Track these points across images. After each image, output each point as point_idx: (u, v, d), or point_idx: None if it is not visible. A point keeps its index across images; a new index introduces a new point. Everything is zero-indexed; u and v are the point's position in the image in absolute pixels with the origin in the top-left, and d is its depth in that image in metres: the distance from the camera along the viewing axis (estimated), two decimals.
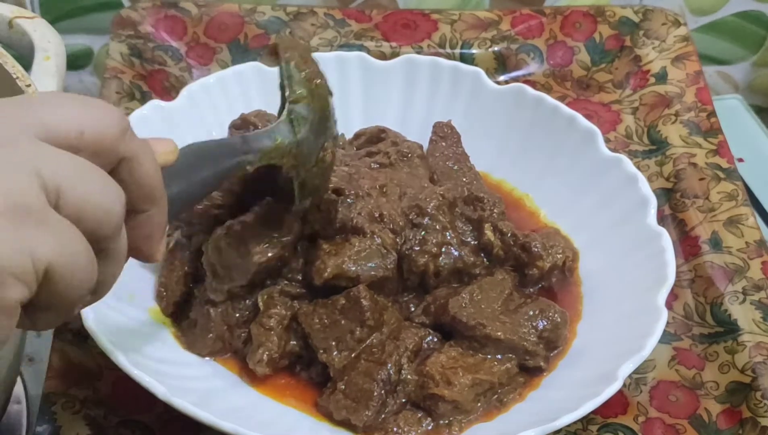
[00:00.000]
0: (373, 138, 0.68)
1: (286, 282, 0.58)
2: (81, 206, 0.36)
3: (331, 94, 0.57)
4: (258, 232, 0.57)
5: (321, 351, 0.56)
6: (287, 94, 0.55)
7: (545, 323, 0.58)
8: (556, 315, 0.58)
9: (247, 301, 0.58)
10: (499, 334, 0.57)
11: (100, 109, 0.38)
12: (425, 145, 0.68)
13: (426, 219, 0.60)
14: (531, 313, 0.58)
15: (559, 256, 0.62)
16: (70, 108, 0.37)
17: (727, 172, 0.71)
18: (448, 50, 0.81)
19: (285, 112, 0.54)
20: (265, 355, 0.56)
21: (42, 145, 0.36)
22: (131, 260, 0.61)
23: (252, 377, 0.57)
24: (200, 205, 0.58)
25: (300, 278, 0.58)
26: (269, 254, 0.57)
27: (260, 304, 0.58)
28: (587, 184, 0.67)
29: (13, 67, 0.56)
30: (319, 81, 0.56)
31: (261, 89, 0.71)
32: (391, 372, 0.55)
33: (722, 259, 0.66)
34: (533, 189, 0.68)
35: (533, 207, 0.68)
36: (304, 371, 0.58)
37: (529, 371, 0.58)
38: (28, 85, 0.55)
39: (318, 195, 0.57)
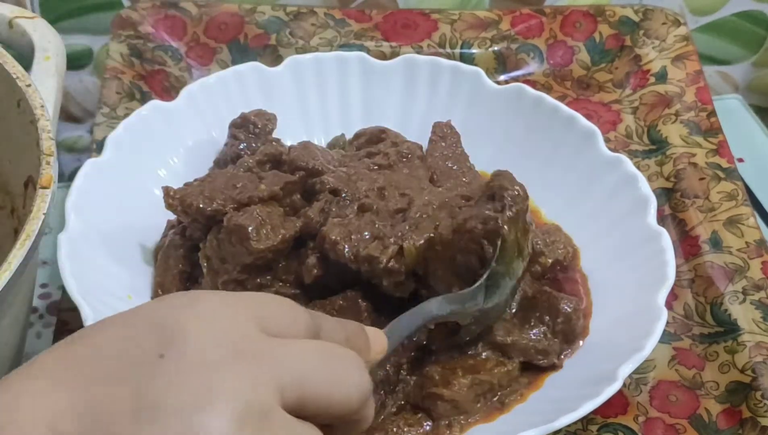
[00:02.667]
0: (373, 138, 0.68)
1: (280, 284, 0.58)
2: (322, 408, 0.37)
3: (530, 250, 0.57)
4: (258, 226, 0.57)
5: None
6: (494, 263, 0.54)
7: (556, 317, 0.58)
8: (566, 307, 0.58)
9: None
10: (507, 339, 0.57)
11: (352, 382, 0.38)
12: (425, 145, 0.68)
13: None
14: (539, 311, 0.58)
15: (560, 251, 0.62)
16: (328, 374, 0.37)
17: (727, 172, 0.71)
18: (448, 50, 0.81)
19: (484, 278, 0.54)
20: None
21: (293, 426, 0.36)
22: (128, 259, 0.61)
23: None
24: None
25: (294, 280, 0.58)
26: (268, 243, 0.57)
27: None
28: (587, 183, 0.67)
29: (13, 67, 0.56)
30: (526, 251, 0.56)
31: (261, 89, 0.71)
32: (390, 372, 0.55)
33: (722, 259, 0.66)
34: (533, 188, 0.68)
35: (533, 206, 0.68)
36: None
37: (543, 370, 0.58)
38: (29, 85, 0.55)
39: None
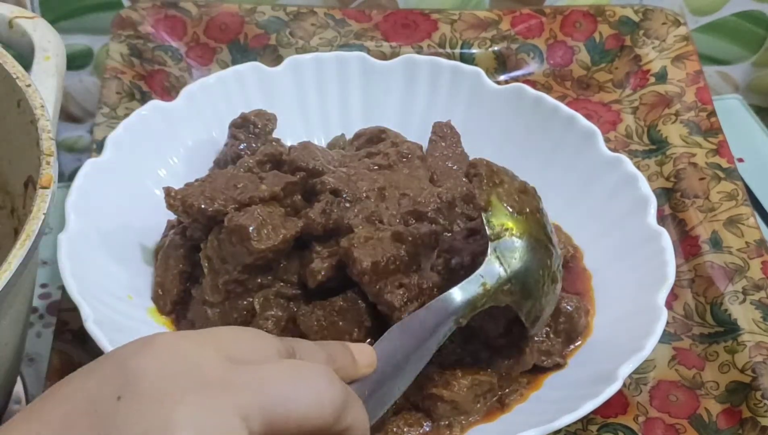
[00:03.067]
0: (373, 138, 0.68)
1: (281, 284, 0.58)
2: (294, 427, 0.36)
3: (543, 214, 0.56)
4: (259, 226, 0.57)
5: None
6: (487, 231, 0.53)
7: (558, 316, 0.58)
8: (567, 305, 0.58)
9: (245, 302, 0.58)
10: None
11: (321, 395, 0.38)
12: (425, 145, 0.68)
13: (425, 223, 0.59)
14: None
15: (560, 250, 0.62)
16: (293, 392, 0.37)
17: (727, 172, 0.71)
18: (448, 50, 0.81)
19: (489, 251, 0.53)
20: None
21: None
22: (128, 259, 0.61)
23: None
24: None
25: (295, 280, 0.58)
26: (269, 243, 0.57)
27: (256, 306, 0.58)
28: (587, 183, 0.67)
29: (13, 67, 0.56)
30: (528, 210, 0.54)
31: (261, 89, 0.71)
32: None
33: (722, 259, 0.66)
34: None
35: None
36: None
37: (544, 369, 0.58)
38: (28, 85, 0.55)
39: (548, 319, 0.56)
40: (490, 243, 0.53)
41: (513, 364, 0.57)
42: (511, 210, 0.54)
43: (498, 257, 0.52)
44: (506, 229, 0.53)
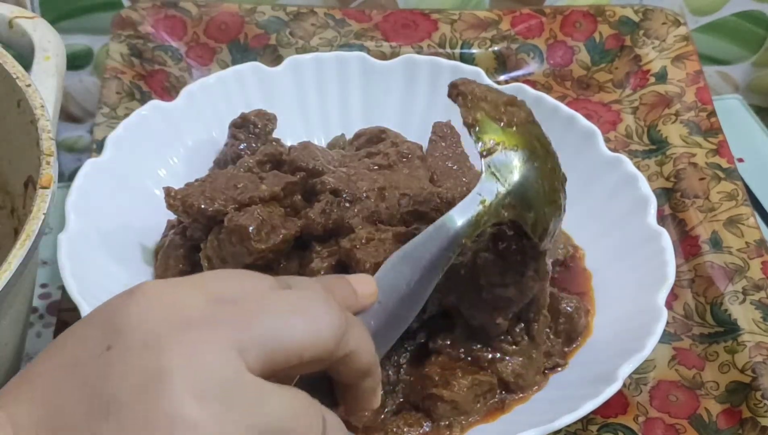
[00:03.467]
0: (373, 138, 0.68)
1: None
2: (294, 356, 0.35)
3: (535, 123, 0.54)
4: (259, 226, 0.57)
5: None
6: (478, 147, 0.51)
7: (558, 317, 0.58)
8: (567, 306, 0.58)
9: None
10: (512, 347, 0.57)
11: (318, 320, 0.36)
12: (425, 145, 0.68)
13: (424, 223, 0.59)
14: (536, 308, 0.58)
15: (560, 250, 0.62)
16: (288, 320, 0.35)
17: (727, 172, 0.71)
18: (448, 50, 0.81)
19: (483, 168, 0.51)
20: None
21: (263, 390, 0.34)
22: (128, 259, 0.61)
23: None
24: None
25: None
26: (269, 243, 0.57)
27: None
28: (587, 183, 0.67)
29: (13, 67, 0.56)
30: (518, 121, 0.53)
31: (261, 89, 0.71)
32: (389, 372, 0.55)
33: (722, 259, 0.66)
34: None
35: None
36: None
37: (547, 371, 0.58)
38: (28, 85, 0.55)
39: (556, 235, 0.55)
40: (483, 160, 0.51)
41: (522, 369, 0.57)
42: (500, 123, 0.52)
43: (493, 173, 0.51)
44: (498, 144, 0.51)
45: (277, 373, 0.35)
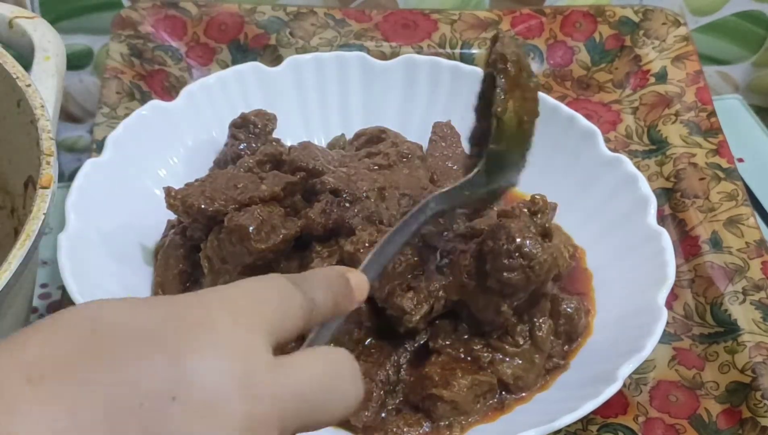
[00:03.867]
0: (373, 138, 0.68)
1: None
2: (322, 425, 0.36)
3: (534, 124, 0.54)
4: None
5: None
6: (493, 138, 0.52)
7: (558, 318, 0.58)
8: (567, 307, 0.58)
9: None
10: (513, 349, 0.57)
11: (348, 400, 0.38)
12: (425, 145, 0.68)
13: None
14: (542, 313, 0.58)
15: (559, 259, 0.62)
16: (320, 396, 0.36)
17: (727, 172, 0.71)
18: (448, 50, 0.81)
19: (483, 163, 0.52)
20: None
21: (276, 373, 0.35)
22: (128, 259, 0.61)
23: None
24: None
25: None
26: (269, 243, 0.57)
27: None
28: (587, 183, 0.67)
29: (13, 67, 0.56)
30: (526, 119, 0.53)
31: (261, 89, 0.71)
32: (389, 372, 0.55)
33: (722, 259, 0.66)
34: (533, 188, 0.68)
35: None
36: None
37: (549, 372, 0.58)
38: (28, 85, 0.55)
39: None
40: (487, 153, 0.52)
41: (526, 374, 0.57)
42: (515, 123, 0.52)
43: (487, 171, 0.52)
44: (508, 150, 0.53)
45: None
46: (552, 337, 0.58)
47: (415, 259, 0.56)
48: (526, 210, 0.58)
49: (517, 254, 0.54)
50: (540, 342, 0.57)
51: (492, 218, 0.58)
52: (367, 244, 0.55)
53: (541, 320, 0.57)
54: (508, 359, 0.57)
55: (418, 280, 0.56)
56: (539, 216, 0.57)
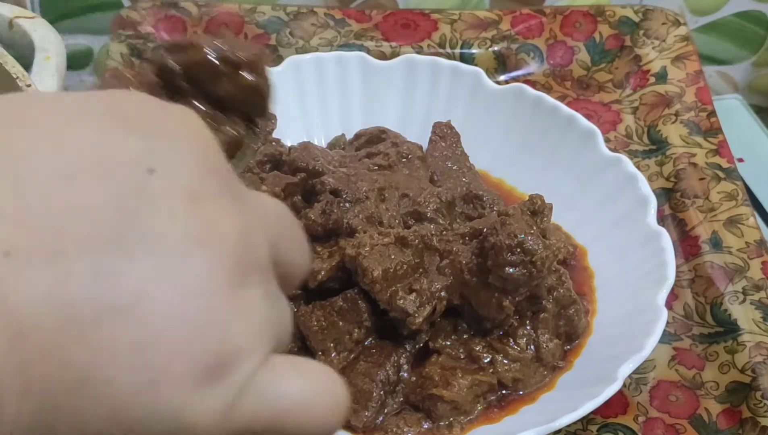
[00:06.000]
0: (373, 138, 0.68)
1: None
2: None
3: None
4: None
5: (319, 353, 0.56)
6: None
7: (559, 319, 0.58)
8: (569, 311, 0.58)
9: None
10: (513, 352, 0.57)
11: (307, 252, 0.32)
12: (425, 145, 0.68)
13: (424, 223, 0.59)
14: (542, 314, 0.58)
15: (561, 250, 0.62)
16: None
17: (727, 172, 0.71)
18: (448, 50, 0.81)
19: None
20: None
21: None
22: None
23: None
24: None
25: None
26: None
27: None
28: (587, 183, 0.67)
29: (13, 67, 0.56)
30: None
31: None
32: (390, 373, 0.55)
33: (722, 259, 0.66)
34: (532, 188, 0.68)
35: None
36: None
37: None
38: (29, 85, 0.55)
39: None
40: None
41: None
42: None
43: None
44: None
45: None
46: (555, 341, 0.58)
47: (417, 260, 0.56)
48: (525, 209, 0.58)
49: (518, 250, 0.54)
50: (543, 355, 0.57)
51: (492, 218, 0.58)
52: (369, 247, 0.55)
53: (547, 336, 0.58)
54: (507, 361, 0.57)
55: (420, 282, 0.56)
56: (538, 217, 0.57)
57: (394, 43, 0.82)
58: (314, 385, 0.28)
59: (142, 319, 0.24)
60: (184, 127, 0.28)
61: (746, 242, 0.66)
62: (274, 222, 0.29)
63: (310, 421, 0.28)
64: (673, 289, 0.60)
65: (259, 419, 0.27)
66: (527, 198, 0.67)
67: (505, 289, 0.55)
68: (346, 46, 0.80)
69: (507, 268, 0.54)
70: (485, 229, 0.56)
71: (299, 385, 0.28)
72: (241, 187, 0.28)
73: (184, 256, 0.25)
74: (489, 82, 0.72)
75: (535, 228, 0.55)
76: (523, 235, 0.54)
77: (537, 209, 0.57)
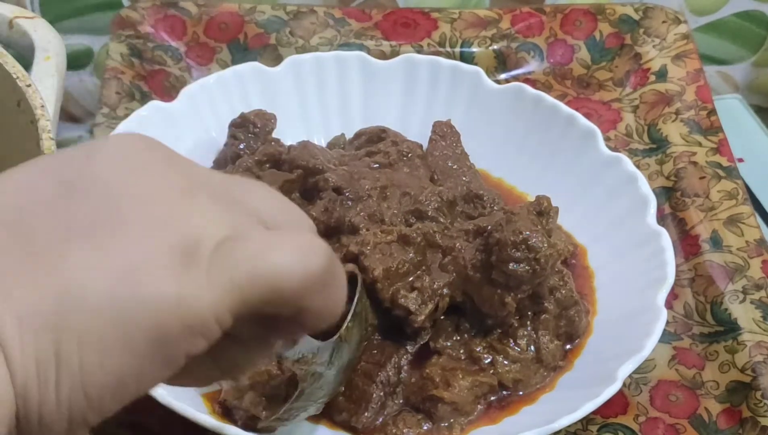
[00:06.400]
0: (374, 138, 0.68)
1: None
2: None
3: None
4: None
5: None
6: (347, 324, 0.48)
7: (560, 320, 0.58)
8: (570, 312, 0.58)
9: None
10: (514, 353, 0.57)
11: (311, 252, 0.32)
12: (425, 145, 0.68)
13: (426, 222, 0.60)
14: (543, 316, 0.58)
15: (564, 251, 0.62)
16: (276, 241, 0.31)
17: (727, 171, 0.71)
18: (448, 49, 0.81)
19: (334, 340, 0.48)
20: None
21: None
22: None
23: None
24: None
25: None
26: None
27: None
28: (587, 183, 0.67)
29: (13, 67, 0.56)
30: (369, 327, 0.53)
31: (261, 89, 0.71)
32: (390, 374, 0.55)
33: (722, 258, 0.66)
34: (532, 187, 0.68)
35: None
36: None
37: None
38: (29, 85, 0.55)
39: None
40: (341, 332, 0.48)
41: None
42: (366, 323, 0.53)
43: (333, 352, 0.48)
44: (354, 346, 0.51)
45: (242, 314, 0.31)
46: (556, 341, 0.58)
47: (419, 258, 0.56)
48: (532, 209, 0.58)
49: (523, 247, 0.54)
50: (544, 356, 0.57)
51: (497, 216, 0.59)
52: (371, 246, 0.56)
53: (547, 338, 0.58)
54: (508, 362, 0.57)
55: (422, 280, 0.56)
56: (544, 217, 0.57)
57: (394, 42, 0.81)
58: (293, 246, 0.31)
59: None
60: None
61: (746, 241, 0.66)
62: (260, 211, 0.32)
63: (297, 279, 0.30)
64: (673, 288, 0.60)
65: (254, 287, 0.30)
66: (528, 197, 0.67)
67: (508, 286, 0.55)
68: (346, 46, 0.80)
69: (511, 264, 0.54)
70: (489, 227, 0.56)
71: (278, 251, 0.30)
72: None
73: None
74: (489, 82, 0.72)
75: (539, 227, 0.55)
76: (528, 232, 0.54)
77: (543, 210, 0.58)
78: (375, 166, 0.64)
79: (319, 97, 0.72)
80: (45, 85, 0.57)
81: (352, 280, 0.49)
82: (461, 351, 0.57)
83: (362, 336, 0.52)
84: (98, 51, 0.86)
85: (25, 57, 0.60)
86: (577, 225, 0.65)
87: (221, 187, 0.33)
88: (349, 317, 0.49)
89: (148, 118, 0.67)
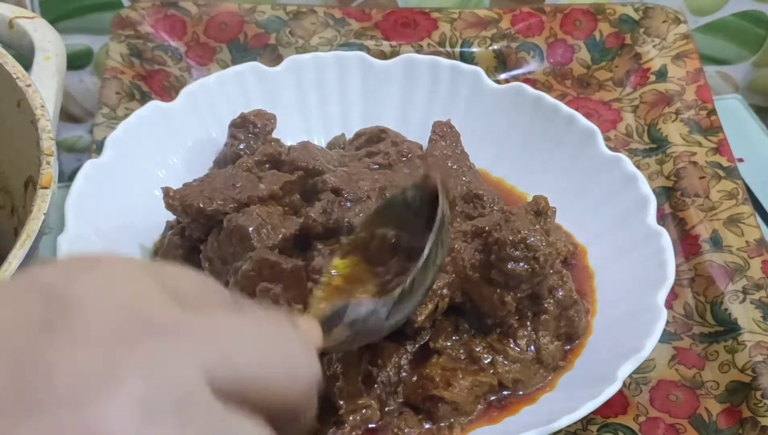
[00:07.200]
0: (373, 138, 0.68)
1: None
2: (262, 397, 0.30)
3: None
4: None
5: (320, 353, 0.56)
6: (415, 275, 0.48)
7: (560, 320, 0.58)
8: (570, 312, 0.59)
9: None
10: (514, 353, 0.57)
11: (291, 359, 0.31)
12: (425, 144, 0.68)
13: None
14: (543, 316, 0.58)
15: (563, 250, 0.62)
16: (253, 347, 0.30)
17: (727, 171, 0.71)
18: (448, 49, 0.81)
19: (401, 289, 0.47)
20: None
21: (226, 415, 0.29)
22: None
23: None
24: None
25: None
26: (269, 243, 0.57)
27: None
28: (587, 183, 0.67)
29: (13, 67, 0.56)
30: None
31: (261, 89, 0.71)
32: (390, 374, 0.55)
33: (722, 258, 0.66)
34: (532, 188, 0.68)
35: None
36: None
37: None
38: (29, 85, 0.55)
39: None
40: (410, 280, 0.48)
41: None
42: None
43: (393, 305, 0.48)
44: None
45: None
46: (556, 341, 0.58)
47: None
48: (529, 209, 0.58)
49: (522, 246, 0.54)
50: (544, 357, 0.57)
51: (495, 217, 0.59)
52: None
53: (547, 338, 0.58)
54: (508, 362, 0.57)
55: None
56: (541, 217, 0.57)
57: (394, 42, 0.82)
58: None
59: None
60: None
61: (746, 241, 0.66)
62: (217, 346, 0.29)
63: None
64: (673, 288, 0.60)
65: None
66: (528, 197, 0.67)
67: (508, 285, 0.55)
68: (345, 46, 0.80)
69: (510, 264, 0.54)
70: (488, 227, 0.57)
71: None
72: None
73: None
74: (489, 82, 0.72)
75: (538, 226, 0.55)
76: (526, 232, 0.54)
77: (541, 210, 0.58)
78: (375, 166, 0.64)
79: (319, 97, 0.72)
80: (45, 85, 0.58)
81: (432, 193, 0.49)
82: (461, 351, 0.57)
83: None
84: (98, 51, 0.86)
85: (25, 57, 0.60)
86: (577, 225, 0.65)
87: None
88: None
89: (148, 118, 0.67)
